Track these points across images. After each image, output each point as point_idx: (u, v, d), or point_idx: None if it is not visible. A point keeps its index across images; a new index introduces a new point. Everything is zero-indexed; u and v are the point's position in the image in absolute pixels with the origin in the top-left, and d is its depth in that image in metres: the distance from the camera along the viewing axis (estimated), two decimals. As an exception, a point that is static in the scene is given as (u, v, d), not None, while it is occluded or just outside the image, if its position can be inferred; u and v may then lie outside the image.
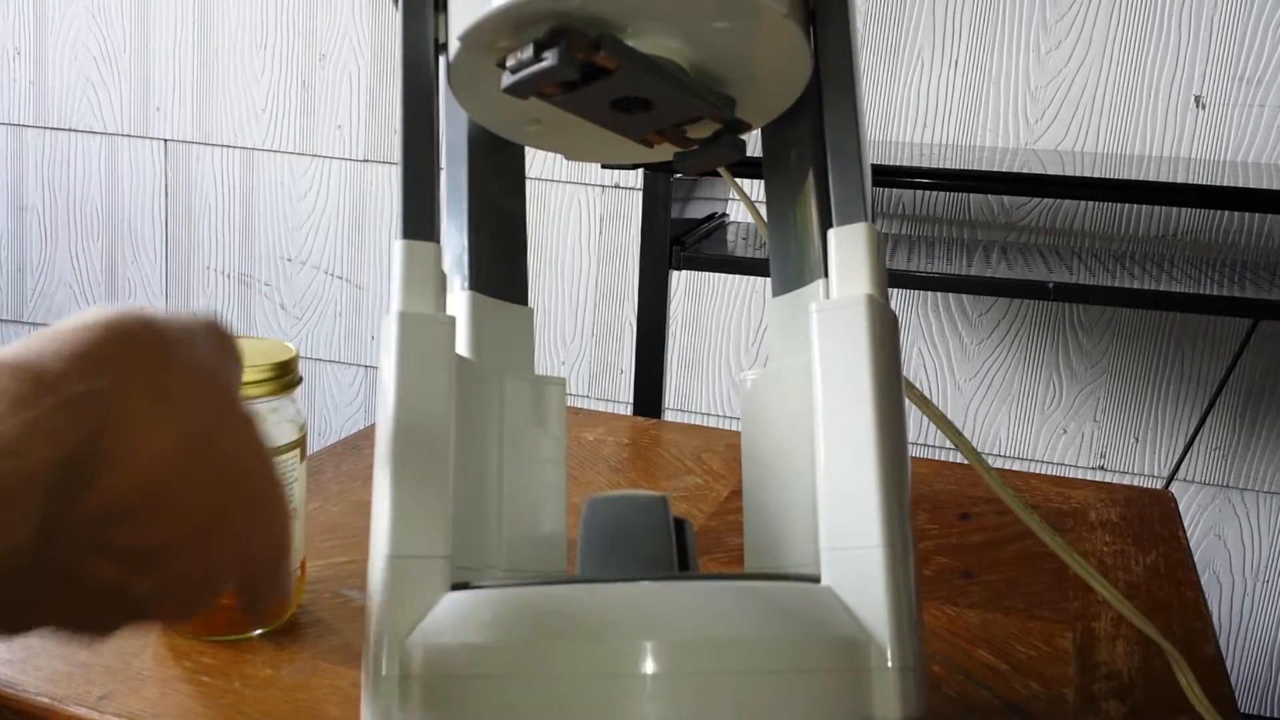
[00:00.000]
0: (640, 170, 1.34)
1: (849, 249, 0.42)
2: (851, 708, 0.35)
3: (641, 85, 0.39)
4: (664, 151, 0.44)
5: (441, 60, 0.44)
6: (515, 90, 0.38)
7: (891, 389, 0.40)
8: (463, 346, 0.45)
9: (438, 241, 0.43)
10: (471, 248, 0.48)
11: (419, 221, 0.43)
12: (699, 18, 0.39)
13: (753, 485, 0.46)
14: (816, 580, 0.38)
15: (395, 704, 0.36)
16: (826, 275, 0.43)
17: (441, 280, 0.42)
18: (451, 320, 0.42)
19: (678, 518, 0.45)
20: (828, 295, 0.42)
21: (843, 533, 0.38)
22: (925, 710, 0.36)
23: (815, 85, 0.44)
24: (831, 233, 0.43)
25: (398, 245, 0.43)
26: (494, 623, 0.36)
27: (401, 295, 0.42)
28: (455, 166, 0.49)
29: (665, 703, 0.34)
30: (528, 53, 0.38)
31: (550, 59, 0.37)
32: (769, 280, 0.50)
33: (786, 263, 0.48)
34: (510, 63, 0.39)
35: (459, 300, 0.47)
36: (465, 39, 0.40)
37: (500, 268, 0.49)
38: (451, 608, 0.37)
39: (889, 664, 0.36)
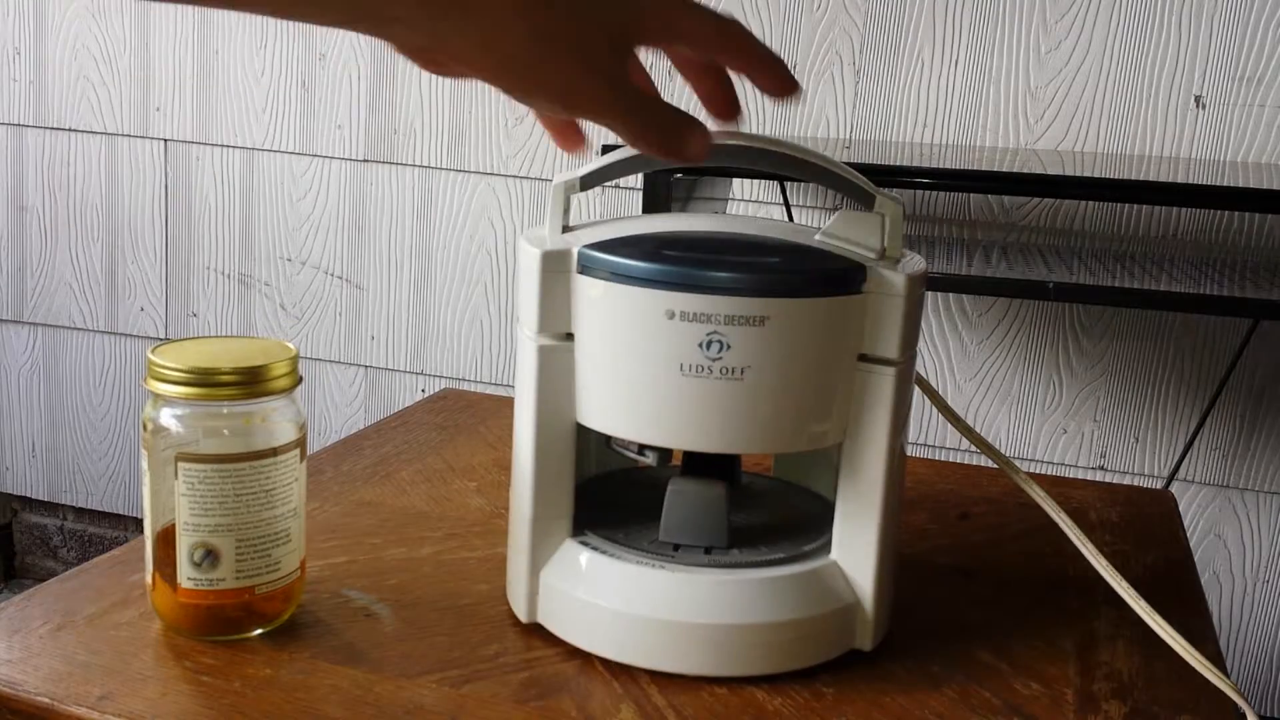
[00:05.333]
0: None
1: None
2: (842, 639, 0.56)
3: None
4: None
5: None
6: None
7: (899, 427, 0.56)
8: None
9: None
10: None
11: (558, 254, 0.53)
12: None
13: None
14: (828, 553, 0.57)
15: (536, 607, 0.57)
16: None
17: (568, 298, 0.53)
18: (571, 346, 0.54)
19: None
20: None
21: (848, 528, 0.57)
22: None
23: None
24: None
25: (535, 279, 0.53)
26: (589, 566, 0.56)
27: (538, 323, 0.54)
28: None
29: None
30: None
31: None
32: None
33: None
34: None
35: None
36: None
37: None
38: (569, 551, 0.57)
39: (868, 615, 0.56)
